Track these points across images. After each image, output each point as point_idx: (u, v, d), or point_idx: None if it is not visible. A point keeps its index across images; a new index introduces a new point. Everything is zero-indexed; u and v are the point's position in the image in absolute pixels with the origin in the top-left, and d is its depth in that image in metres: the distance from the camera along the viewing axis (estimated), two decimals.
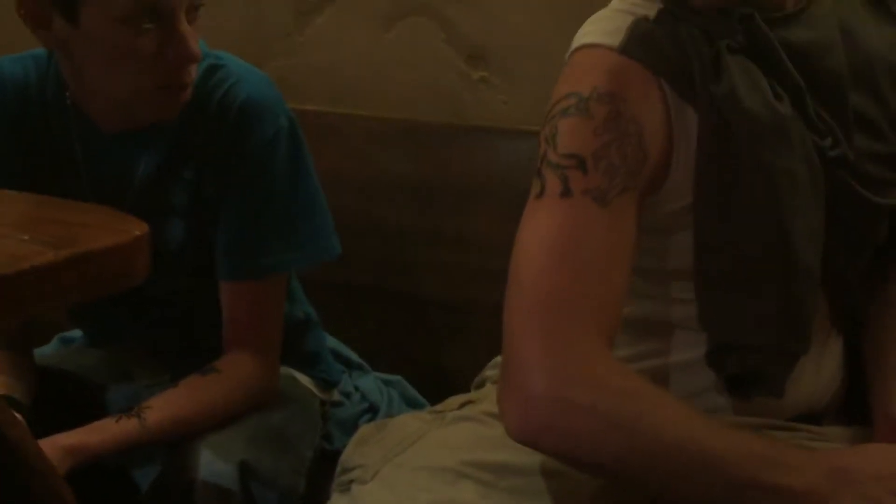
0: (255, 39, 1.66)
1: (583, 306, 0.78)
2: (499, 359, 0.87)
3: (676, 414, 0.78)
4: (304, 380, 1.25)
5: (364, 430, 1.02)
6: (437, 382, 1.33)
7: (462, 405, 1.01)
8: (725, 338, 0.89)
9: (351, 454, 0.96)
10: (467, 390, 1.09)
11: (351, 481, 0.92)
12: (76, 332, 1.34)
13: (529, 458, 0.84)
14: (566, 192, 0.80)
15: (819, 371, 0.95)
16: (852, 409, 0.99)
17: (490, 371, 1.07)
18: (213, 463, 1.04)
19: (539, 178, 0.83)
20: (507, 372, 0.79)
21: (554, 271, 0.78)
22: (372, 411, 1.29)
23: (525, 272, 0.80)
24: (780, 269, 0.87)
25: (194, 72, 1.06)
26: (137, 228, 0.64)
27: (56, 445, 0.98)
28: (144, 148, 1.12)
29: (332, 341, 1.36)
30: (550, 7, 1.49)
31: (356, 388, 1.32)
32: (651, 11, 0.88)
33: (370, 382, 1.33)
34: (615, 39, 0.86)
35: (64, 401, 1.17)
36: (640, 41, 0.85)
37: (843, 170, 0.89)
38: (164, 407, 1.07)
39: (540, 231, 0.81)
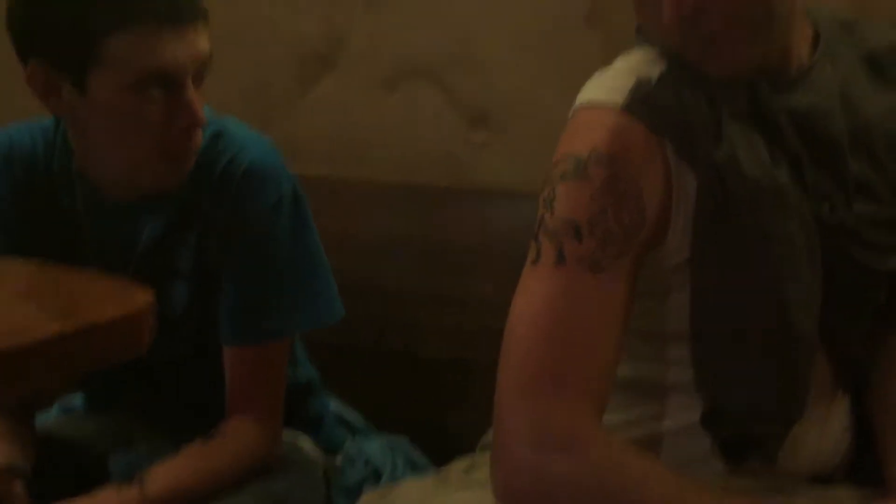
0: (258, 104, 1.68)
1: (570, 377, 0.80)
2: None
3: (663, 487, 0.78)
4: (307, 445, 1.24)
5: (367, 498, 1.01)
6: (442, 442, 1.32)
7: (467, 469, 1.00)
8: (720, 401, 0.89)
9: None
10: (472, 450, 1.08)
11: None
12: (77, 400, 1.33)
13: None
14: (560, 260, 0.81)
15: (823, 434, 0.95)
16: (864, 469, 0.98)
17: None
18: None
19: (536, 243, 0.84)
20: (495, 439, 0.81)
21: (542, 342, 0.80)
22: (376, 476, 1.27)
23: (515, 342, 0.81)
24: (776, 334, 0.87)
25: (200, 137, 1.08)
26: (143, 297, 0.64)
27: None
28: (150, 214, 1.13)
29: (335, 405, 1.35)
30: (550, 70, 1.51)
31: (360, 452, 1.30)
32: (654, 72, 0.89)
33: (374, 446, 1.32)
34: (618, 98, 0.87)
35: (65, 469, 1.16)
36: (643, 100, 0.87)
37: (841, 235, 0.89)
38: (166, 476, 1.06)
39: (532, 300, 0.82)
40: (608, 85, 0.90)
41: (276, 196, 1.12)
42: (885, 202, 0.93)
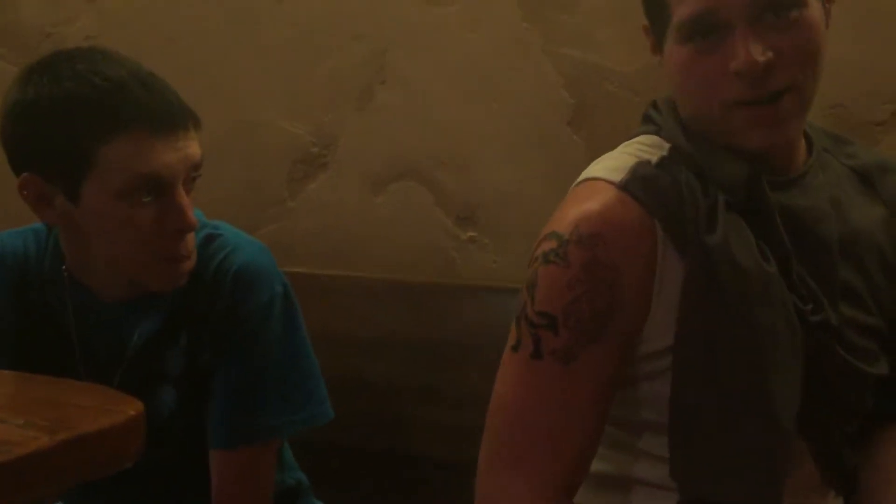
0: (250, 206, 1.71)
1: (529, 459, 0.86)
2: None
3: None
4: None
5: None
6: None
7: None
8: (697, 491, 0.89)
9: None
10: None
11: None
12: None
13: None
14: (536, 354, 0.86)
15: None
16: None
17: None
18: None
19: (517, 329, 0.89)
20: None
21: (510, 426, 0.88)
22: None
23: (490, 422, 0.90)
24: (757, 423, 0.87)
25: (192, 241, 1.09)
26: (132, 408, 0.64)
27: None
28: (140, 316, 1.13)
29: None
30: (535, 168, 1.55)
31: None
32: (655, 156, 0.92)
33: None
34: (618, 176, 0.90)
35: None
36: (641, 180, 0.89)
37: (825, 335, 0.90)
38: None
39: (508, 386, 0.89)
40: (610, 165, 0.93)
41: (268, 297, 1.12)
42: (869, 310, 0.95)
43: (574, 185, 0.95)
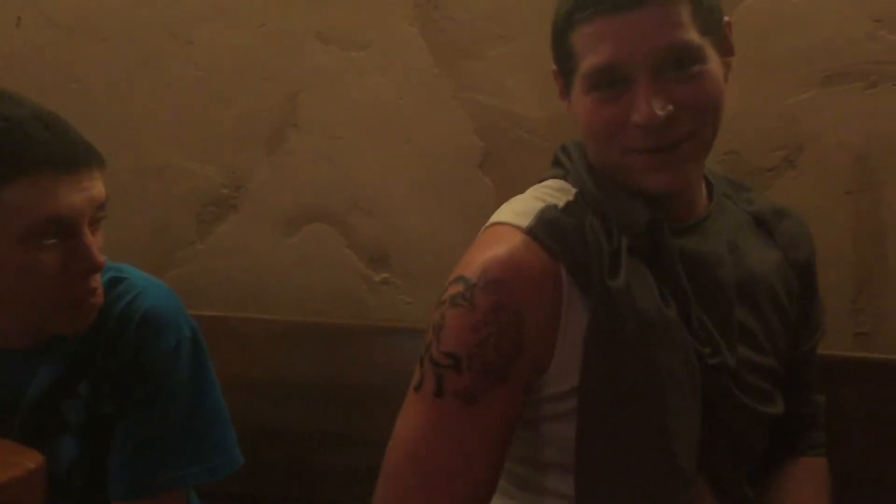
0: (157, 248, 1.67)
1: (429, 500, 0.85)
2: None
3: None
4: None
5: None
6: None
7: None
8: None
9: None
10: None
11: None
12: None
13: None
14: (439, 393, 0.86)
15: None
16: None
17: None
18: None
19: (420, 369, 0.88)
20: None
21: (409, 467, 0.86)
22: None
23: (388, 463, 0.88)
24: (658, 466, 0.89)
25: (99, 282, 1.05)
26: (31, 461, 0.61)
27: None
28: (39, 364, 1.08)
29: None
30: (447, 210, 1.57)
31: None
32: (561, 200, 0.94)
33: None
34: (524, 221, 0.91)
35: None
36: (547, 226, 0.91)
37: (723, 376, 0.93)
38: None
39: (408, 426, 0.88)
40: (517, 209, 0.95)
41: (175, 341, 1.09)
42: (765, 351, 0.99)
43: (483, 228, 0.97)
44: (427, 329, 0.90)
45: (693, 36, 0.88)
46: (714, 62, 0.91)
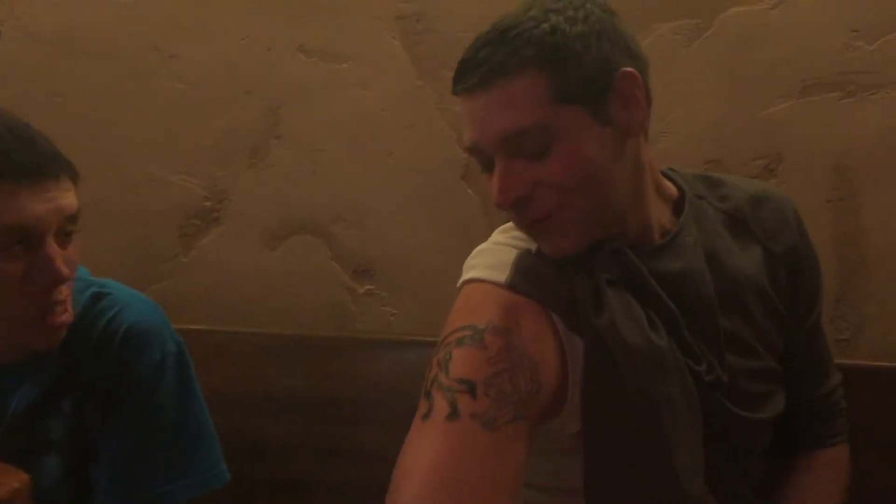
0: (140, 262, 1.66)
1: None
2: None
3: None
4: None
5: None
6: None
7: None
8: None
9: None
10: None
11: None
12: None
13: None
14: (453, 415, 0.78)
15: None
16: None
17: None
18: None
19: (427, 399, 0.80)
20: None
21: (433, 496, 0.74)
22: None
23: (404, 494, 0.74)
24: (666, 495, 0.88)
25: (65, 293, 1.03)
26: (16, 480, 0.61)
27: None
28: (20, 381, 1.07)
29: None
30: (431, 221, 1.57)
31: None
32: (533, 245, 0.92)
33: None
34: (501, 275, 0.89)
35: None
36: (526, 275, 0.89)
37: (718, 392, 0.93)
38: None
39: (423, 454, 0.76)
40: (490, 262, 0.92)
41: (160, 356, 1.09)
42: (758, 354, 0.98)
43: (460, 282, 0.94)
44: (429, 367, 0.84)
45: (543, 116, 0.85)
46: (582, 133, 0.86)
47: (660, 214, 0.97)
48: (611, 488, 0.88)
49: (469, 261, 0.95)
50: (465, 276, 0.94)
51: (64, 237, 1.01)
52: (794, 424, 1.06)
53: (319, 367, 1.52)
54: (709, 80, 1.46)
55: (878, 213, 1.41)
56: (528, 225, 0.90)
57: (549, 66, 0.85)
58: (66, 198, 1.00)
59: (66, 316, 1.03)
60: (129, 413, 1.07)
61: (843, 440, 1.12)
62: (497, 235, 0.98)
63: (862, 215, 1.42)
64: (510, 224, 0.98)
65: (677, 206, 1.00)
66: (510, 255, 0.92)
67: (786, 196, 1.08)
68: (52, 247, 0.98)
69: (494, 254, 0.94)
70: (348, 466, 1.49)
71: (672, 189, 1.01)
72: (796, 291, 1.04)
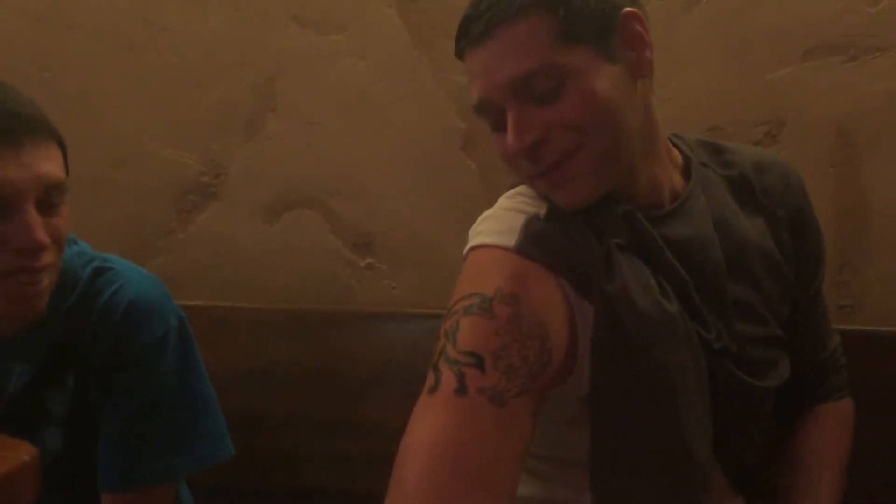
0: (136, 238, 1.65)
1: (464, 498, 0.73)
2: None
3: None
4: None
5: None
6: None
7: None
8: None
9: None
10: None
11: None
12: None
13: None
14: (461, 390, 0.76)
15: None
16: None
17: None
18: None
19: (434, 372, 0.79)
20: None
21: (439, 472, 0.73)
22: None
23: (410, 470, 0.73)
24: (675, 463, 0.87)
25: (47, 259, 0.99)
26: (25, 453, 0.60)
27: None
28: (20, 354, 1.06)
29: None
30: (430, 193, 1.56)
31: None
32: (541, 209, 0.91)
33: None
34: (510, 240, 0.88)
35: None
36: (535, 240, 0.88)
37: (726, 358, 0.92)
38: None
39: (430, 429, 0.75)
40: (497, 228, 0.91)
41: (162, 331, 1.08)
42: (765, 321, 0.98)
43: (467, 248, 0.92)
44: (437, 338, 0.82)
45: (550, 56, 0.84)
46: (591, 70, 0.86)
47: (670, 175, 0.96)
48: (617, 457, 0.87)
49: (475, 227, 0.94)
50: (472, 242, 0.92)
51: (49, 207, 0.98)
52: (798, 386, 1.07)
53: (320, 342, 1.51)
54: (709, 46, 1.44)
55: (881, 178, 1.41)
56: (542, 173, 0.88)
57: (554, 7, 0.85)
58: (46, 165, 0.97)
59: (43, 285, 1.00)
60: (130, 388, 1.06)
61: (848, 394, 1.14)
62: (504, 201, 0.96)
63: (865, 180, 1.41)
64: (517, 189, 0.97)
65: (685, 172, 0.99)
66: (518, 220, 0.90)
67: (788, 162, 1.08)
68: (31, 214, 0.95)
69: (502, 219, 0.92)
70: (349, 440, 1.49)
71: (678, 155, 1.00)
72: (801, 256, 1.04)
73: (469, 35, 0.88)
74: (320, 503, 1.50)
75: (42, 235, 0.96)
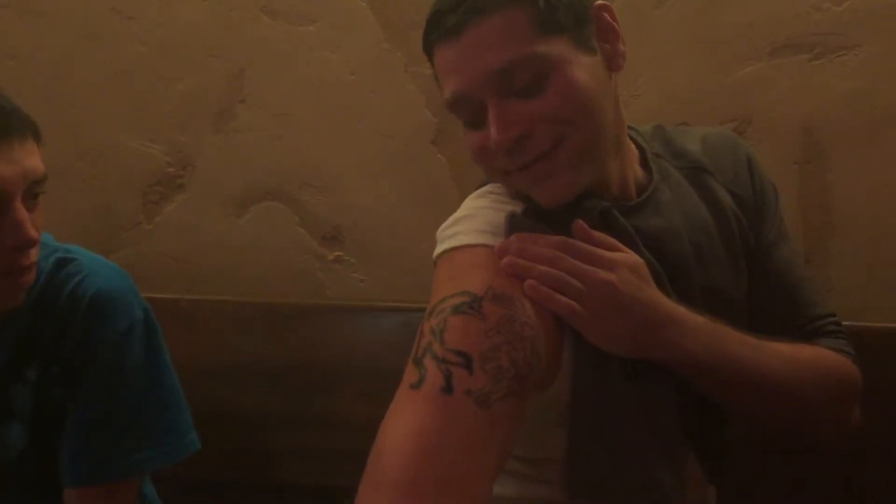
0: (101, 229, 1.62)
1: (440, 501, 0.70)
2: None
3: None
4: None
5: None
6: None
7: None
8: None
9: None
10: None
11: None
12: None
13: None
14: (447, 389, 0.74)
15: None
16: None
17: None
18: None
19: (418, 367, 0.76)
20: None
21: (419, 464, 0.70)
22: None
23: (389, 459, 0.71)
24: (648, 455, 0.88)
25: (34, 256, 1.00)
26: None
27: None
28: None
29: None
30: (400, 186, 1.56)
31: None
32: (517, 207, 0.90)
33: None
34: (494, 238, 0.87)
35: None
36: None
37: None
38: None
39: (411, 422, 0.73)
40: (477, 227, 0.89)
41: (128, 323, 1.06)
42: (736, 306, 0.98)
43: (442, 250, 0.90)
44: (419, 335, 0.80)
45: (531, 46, 0.83)
46: (572, 61, 0.84)
47: (634, 168, 0.97)
48: (594, 458, 0.87)
49: (447, 229, 0.91)
50: (449, 243, 0.89)
51: (31, 200, 0.98)
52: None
53: (288, 335, 1.50)
54: (678, 43, 1.45)
55: (845, 175, 1.43)
56: (523, 167, 0.87)
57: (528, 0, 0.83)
58: (32, 159, 0.97)
59: (30, 278, 1.01)
60: (95, 381, 1.05)
61: (849, 357, 1.02)
62: (474, 201, 0.94)
63: (829, 177, 1.43)
64: (486, 188, 0.96)
65: (642, 164, 0.99)
66: (498, 218, 0.89)
67: (731, 134, 1.08)
68: (21, 211, 0.96)
69: (479, 218, 0.90)
70: (318, 434, 1.49)
71: (634, 147, 1.00)
72: (762, 224, 1.04)
73: (441, 28, 0.85)
74: (290, 497, 1.49)
75: (33, 232, 0.97)
